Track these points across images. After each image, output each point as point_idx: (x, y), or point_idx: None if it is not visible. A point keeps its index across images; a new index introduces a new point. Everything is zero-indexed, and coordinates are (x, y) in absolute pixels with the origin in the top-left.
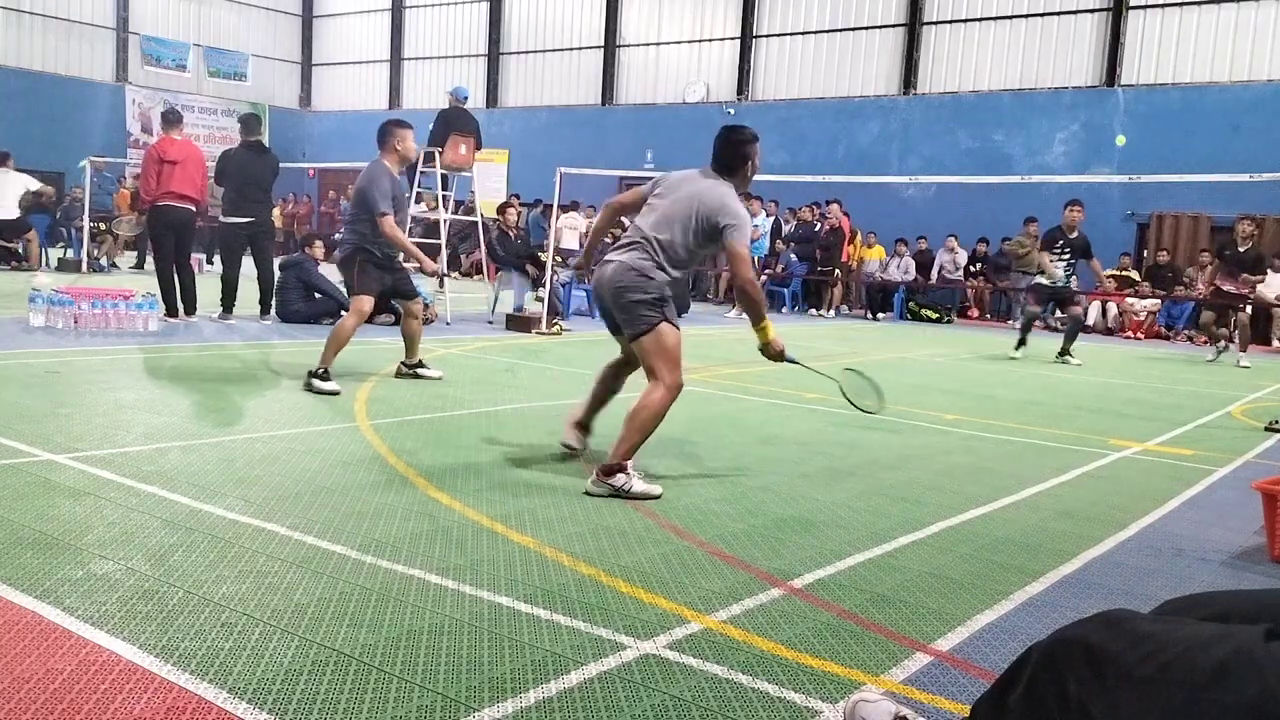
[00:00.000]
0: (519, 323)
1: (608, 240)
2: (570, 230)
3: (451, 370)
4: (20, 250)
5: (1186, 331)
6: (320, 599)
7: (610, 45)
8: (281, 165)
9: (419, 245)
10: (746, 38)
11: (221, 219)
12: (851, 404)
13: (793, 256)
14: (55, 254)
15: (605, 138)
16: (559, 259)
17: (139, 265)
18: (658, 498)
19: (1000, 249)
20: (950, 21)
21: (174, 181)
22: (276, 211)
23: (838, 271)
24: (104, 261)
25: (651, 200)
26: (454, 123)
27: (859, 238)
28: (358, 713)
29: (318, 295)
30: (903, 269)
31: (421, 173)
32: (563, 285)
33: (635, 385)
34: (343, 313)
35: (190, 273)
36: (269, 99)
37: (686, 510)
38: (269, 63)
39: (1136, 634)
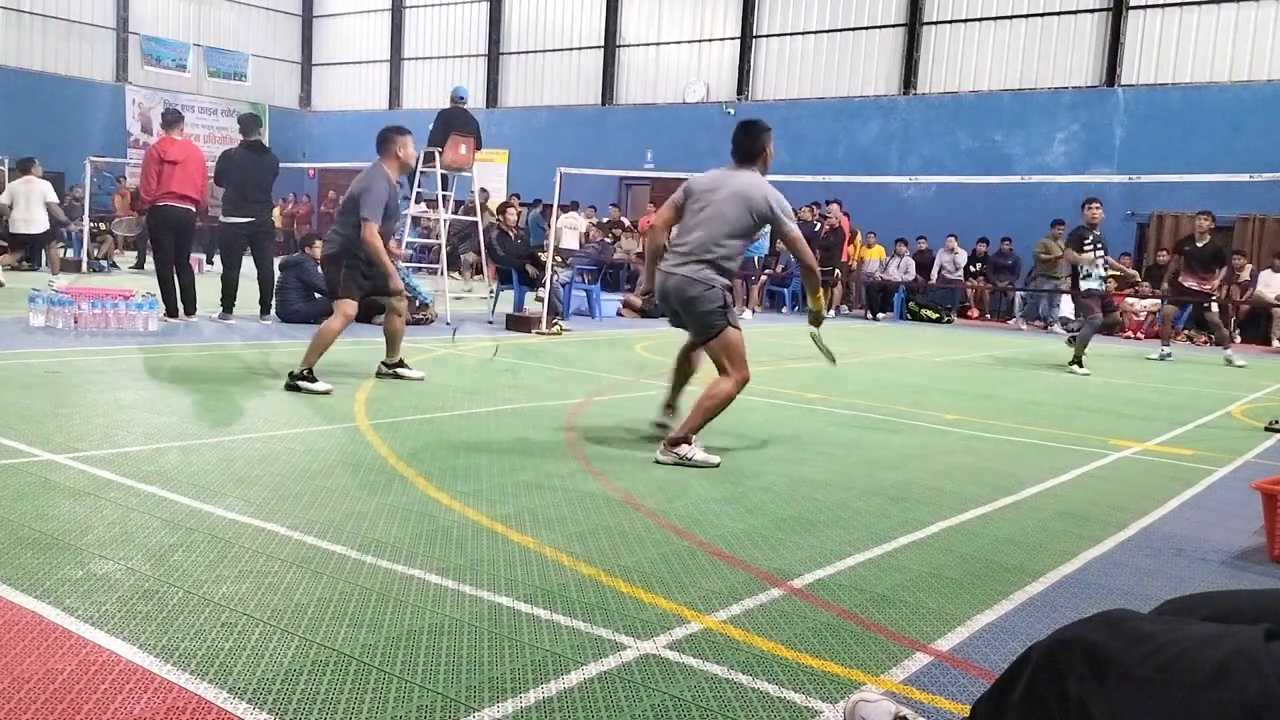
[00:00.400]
0: (519, 323)
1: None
2: (570, 230)
3: (452, 370)
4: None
5: (1186, 331)
6: (320, 599)
7: (610, 45)
8: (281, 165)
9: (419, 246)
10: (746, 38)
11: (221, 219)
12: (823, 351)
13: (793, 256)
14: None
15: (605, 138)
16: (559, 259)
17: (139, 265)
18: (716, 466)
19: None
20: (950, 21)
21: (174, 182)
22: (276, 211)
23: (838, 271)
24: (104, 261)
25: (691, 208)
26: (454, 123)
27: (859, 238)
28: (358, 713)
29: (317, 295)
30: (903, 269)
31: (421, 173)
32: (563, 285)
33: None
34: None
35: (190, 273)
36: (269, 99)
37: (686, 510)
38: (269, 63)
39: (1136, 634)
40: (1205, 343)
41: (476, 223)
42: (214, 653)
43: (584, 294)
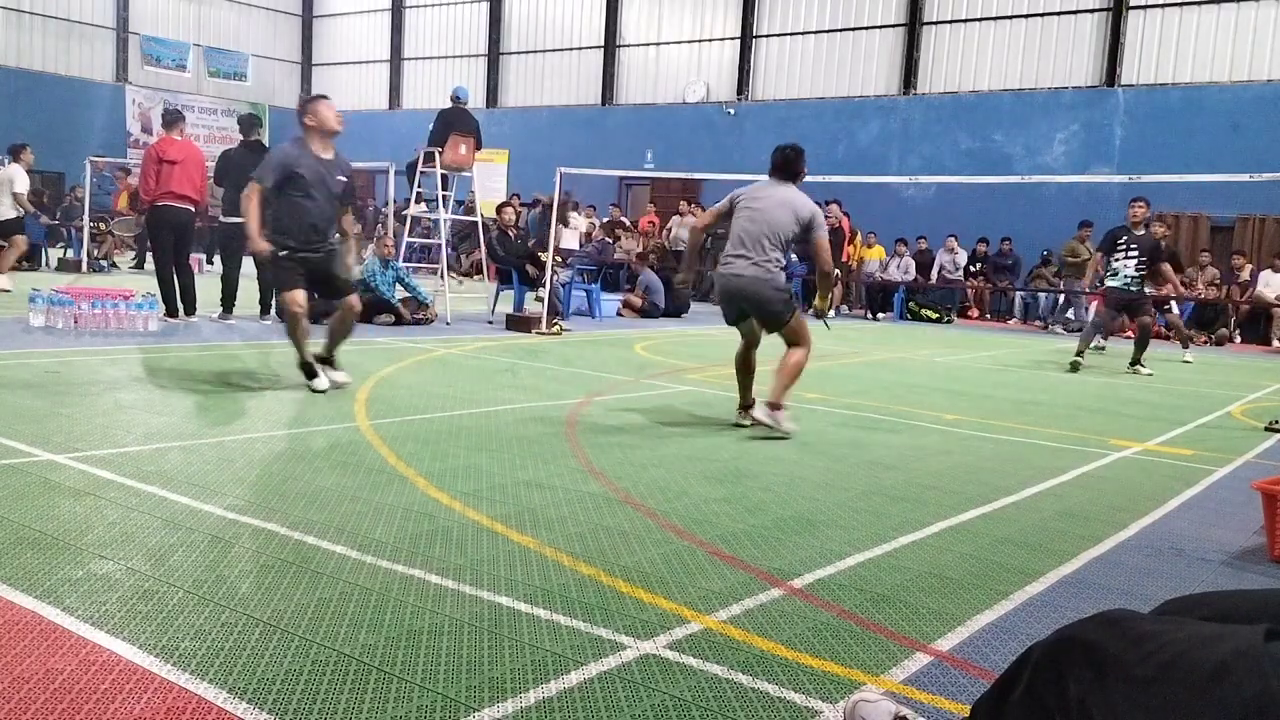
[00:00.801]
0: (519, 323)
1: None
2: (570, 230)
3: (452, 370)
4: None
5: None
6: (320, 599)
7: (610, 45)
8: None
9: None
10: (746, 38)
11: (221, 219)
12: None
13: (793, 256)
14: (55, 254)
15: (605, 138)
16: (559, 259)
17: (139, 265)
18: (790, 436)
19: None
20: (950, 21)
21: (173, 181)
22: None
23: (838, 271)
24: (104, 261)
25: (742, 214)
26: (454, 123)
27: (859, 238)
28: (358, 713)
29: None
30: (903, 269)
31: (421, 173)
32: (563, 285)
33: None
34: None
35: (189, 273)
36: (269, 99)
37: (686, 510)
38: (269, 63)
39: (1137, 634)
40: (1205, 342)
41: (476, 222)
42: (214, 653)
43: (584, 294)
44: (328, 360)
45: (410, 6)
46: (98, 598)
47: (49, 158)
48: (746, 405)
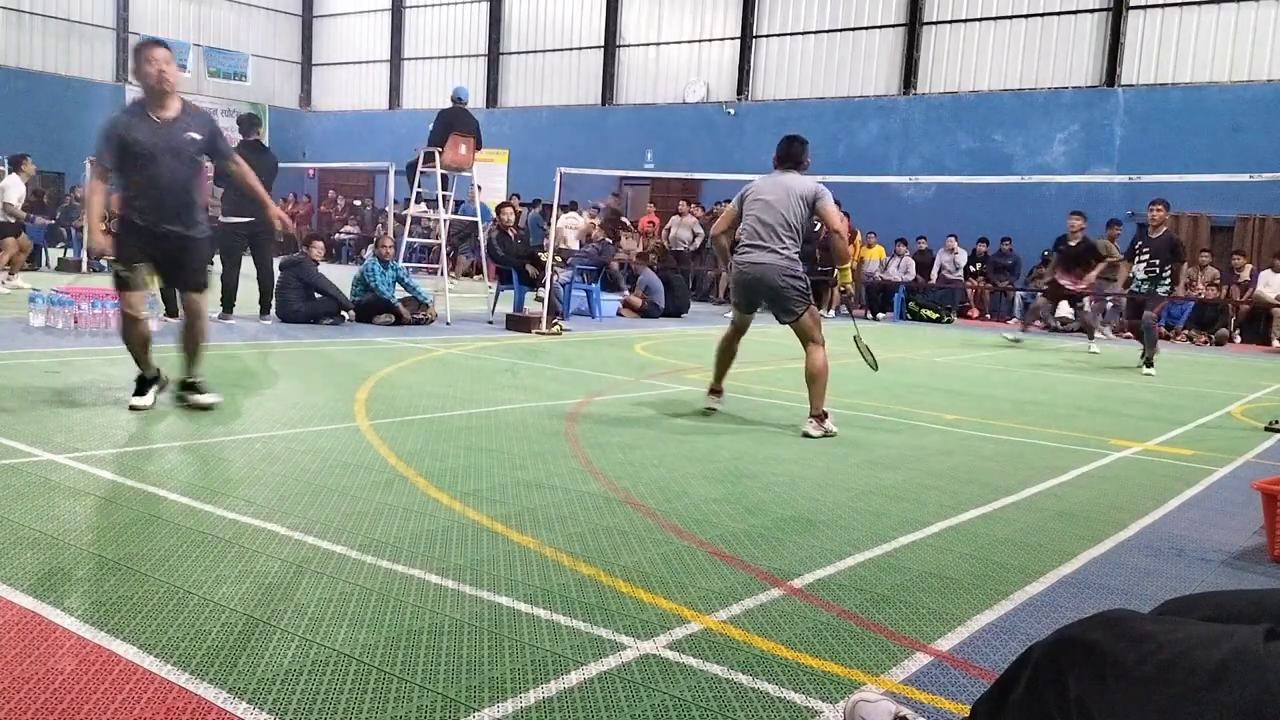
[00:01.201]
0: (519, 323)
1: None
2: (570, 230)
3: (452, 370)
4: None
5: (1186, 331)
6: (320, 599)
7: (610, 45)
8: (281, 165)
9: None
10: (746, 38)
11: (221, 219)
12: (866, 357)
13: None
14: (55, 254)
15: (605, 138)
16: (559, 259)
17: None
18: (834, 435)
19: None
20: (950, 21)
21: None
22: None
23: (838, 272)
24: (104, 262)
25: (752, 207)
26: (454, 123)
27: (859, 238)
28: (358, 713)
29: (317, 295)
30: (903, 269)
31: (421, 173)
32: (563, 285)
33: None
34: (343, 313)
35: None
36: (269, 99)
37: (686, 510)
38: (269, 63)
39: (1137, 634)
40: (1205, 342)
41: (476, 222)
42: (214, 653)
43: (584, 294)
44: (191, 385)
45: (410, 6)
46: (98, 598)
47: (49, 158)
48: (717, 390)
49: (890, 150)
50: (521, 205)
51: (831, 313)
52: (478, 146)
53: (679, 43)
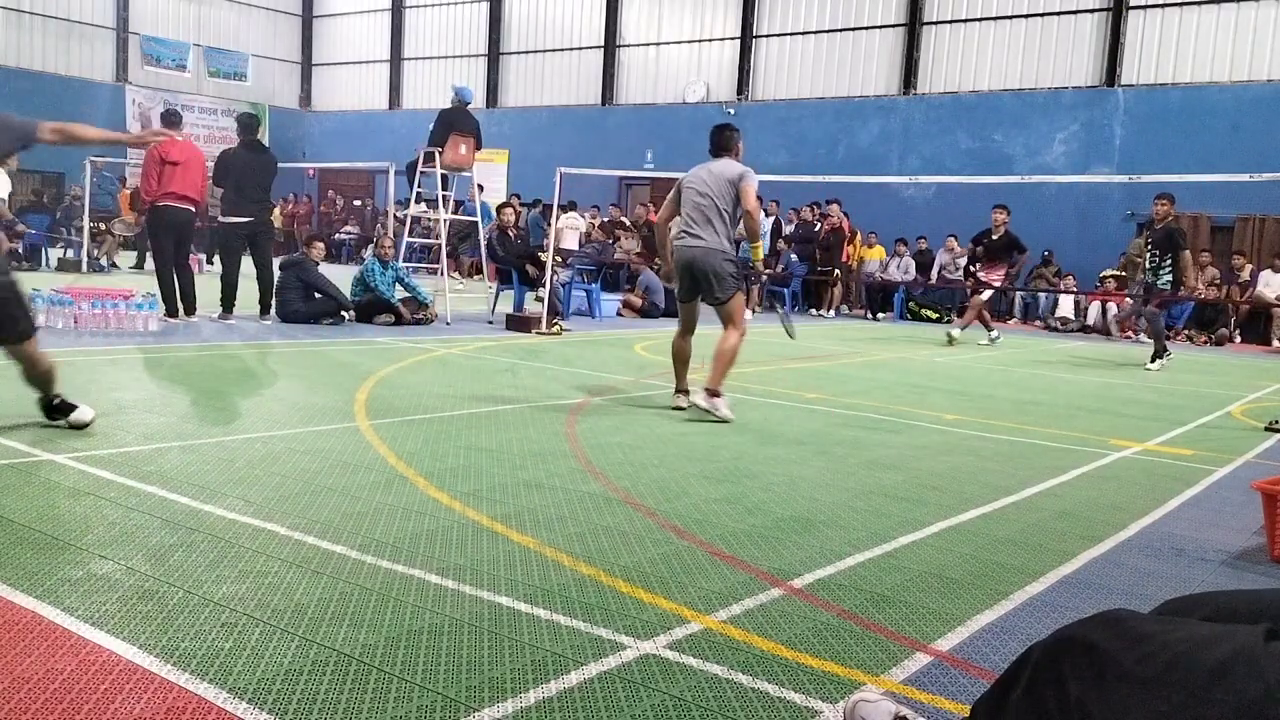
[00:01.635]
0: (519, 323)
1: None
2: (570, 230)
3: (452, 370)
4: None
5: (1186, 331)
6: (320, 599)
7: (610, 45)
8: (281, 165)
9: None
10: (746, 38)
11: (221, 219)
12: (785, 324)
13: (793, 256)
14: (55, 254)
15: (605, 138)
16: (559, 259)
17: (139, 265)
18: (729, 421)
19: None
20: (950, 21)
21: (174, 182)
22: (276, 211)
23: (838, 271)
24: (104, 261)
25: (689, 194)
26: (455, 123)
27: (859, 238)
28: (358, 713)
29: (317, 295)
30: (903, 269)
31: (422, 173)
32: (563, 285)
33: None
34: (343, 313)
35: (189, 273)
36: (269, 99)
37: (686, 510)
38: (269, 63)
39: (1137, 634)
40: (1205, 343)
41: (476, 222)
42: (214, 653)
43: (584, 294)
44: (58, 408)
45: (410, 6)
46: (98, 598)
47: (49, 158)
48: (683, 390)
49: (890, 150)
50: (521, 205)
51: (832, 313)
52: (478, 146)
53: (679, 43)
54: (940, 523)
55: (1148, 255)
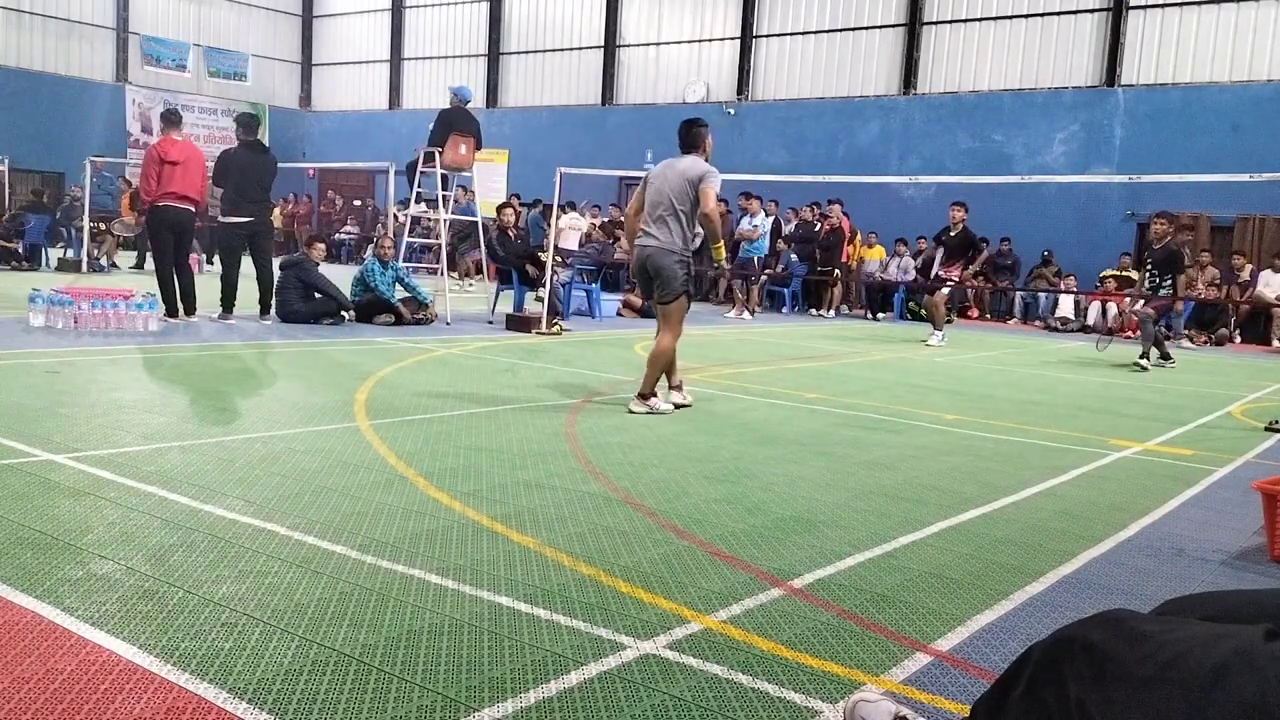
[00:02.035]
0: (519, 323)
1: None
2: (572, 230)
3: (452, 370)
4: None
5: (1186, 331)
6: (320, 599)
7: (610, 45)
8: (281, 165)
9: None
10: (746, 38)
11: (221, 219)
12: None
13: (793, 256)
14: (55, 254)
15: (605, 138)
16: (559, 259)
17: (139, 265)
18: (668, 413)
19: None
20: (950, 21)
21: (174, 182)
22: (276, 211)
23: (838, 271)
24: (104, 261)
25: (651, 190)
26: (455, 123)
27: (859, 238)
28: (358, 713)
29: (317, 295)
30: (903, 269)
31: (422, 173)
32: (563, 285)
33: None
34: (343, 313)
35: (189, 274)
36: (269, 99)
37: (686, 510)
38: (269, 63)
39: (1136, 633)
40: (1205, 343)
41: (476, 222)
42: (214, 653)
43: (584, 294)
44: None
45: (410, 6)
46: (98, 598)
47: (49, 158)
48: (676, 386)
49: (890, 150)
50: (521, 205)
51: (831, 313)
52: (478, 147)
53: (679, 43)
54: (940, 523)
55: (1146, 275)
